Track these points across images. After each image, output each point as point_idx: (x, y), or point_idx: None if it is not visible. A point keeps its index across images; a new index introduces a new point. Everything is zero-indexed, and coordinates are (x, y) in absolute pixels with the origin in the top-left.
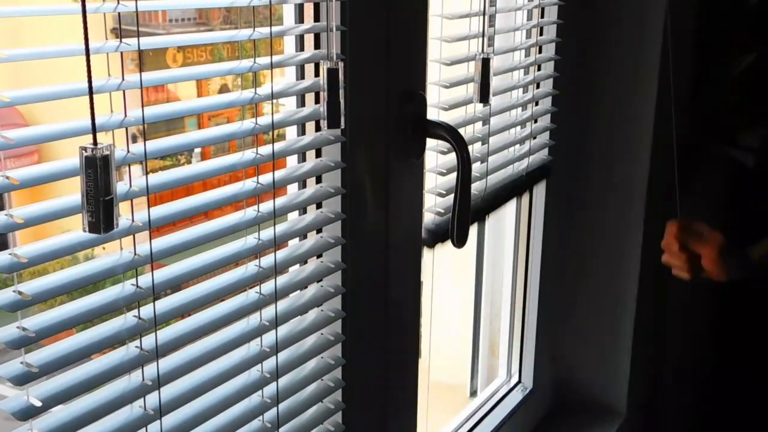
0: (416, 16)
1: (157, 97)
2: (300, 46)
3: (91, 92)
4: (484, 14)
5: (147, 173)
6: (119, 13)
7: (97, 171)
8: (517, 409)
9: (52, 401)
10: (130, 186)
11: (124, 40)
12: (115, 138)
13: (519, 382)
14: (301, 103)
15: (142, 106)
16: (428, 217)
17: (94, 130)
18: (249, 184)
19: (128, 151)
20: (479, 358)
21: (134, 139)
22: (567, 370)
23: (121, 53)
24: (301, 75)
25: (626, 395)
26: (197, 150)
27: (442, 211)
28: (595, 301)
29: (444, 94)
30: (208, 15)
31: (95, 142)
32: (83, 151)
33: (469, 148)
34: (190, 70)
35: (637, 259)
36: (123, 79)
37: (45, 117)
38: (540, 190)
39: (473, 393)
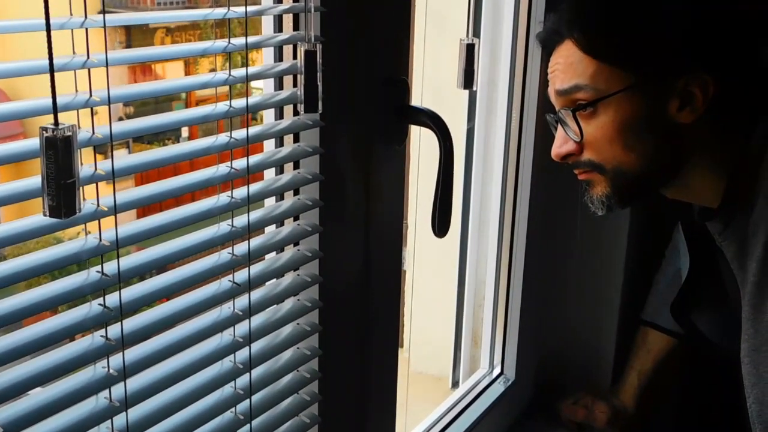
0: None
1: (144, 80)
2: (279, 27)
3: (52, 69)
4: None
5: (112, 155)
6: None
7: (58, 153)
8: (499, 401)
9: (11, 392)
10: (96, 169)
11: (90, 16)
12: (99, 119)
13: (501, 373)
14: (280, 86)
15: (108, 86)
16: None
17: (55, 110)
18: (222, 168)
19: (93, 133)
20: (461, 349)
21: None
22: (550, 362)
23: (86, 29)
24: (279, 58)
25: (610, 386)
26: (185, 134)
27: None
28: (581, 292)
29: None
30: None
31: (56, 123)
32: (44, 132)
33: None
34: (160, 50)
35: (623, 249)
36: (88, 57)
37: (33, 95)
38: (525, 178)
39: (455, 384)
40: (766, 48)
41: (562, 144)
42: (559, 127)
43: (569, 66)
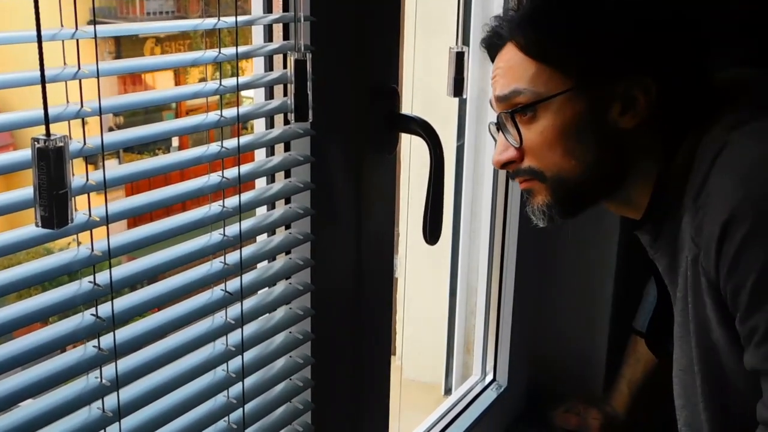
0: (389, 6)
1: (134, 90)
2: (269, 37)
3: (43, 80)
4: (459, 6)
5: (104, 166)
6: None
7: (50, 163)
8: (491, 408)
9: (3, 404)
10: (87, 180)
11: (80, 27)
12: (91, 129)
13: (494, 380)
14: (270, 95)
15: (99, 97)
16: None
17: (47, 121)
18: (214, 178)
19: (84, 143)
20: (454, 356)
21: (110, 131)
22: (542, 369)
23: (77, 41)
24: (269, 67)
25: (602, 393)
26: (175, 143)
27: None
28: (572, 299)
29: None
30: (186, 9)
31: (48, 133)
32: (35, 143)
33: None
34: (151, 60)
35: (614, 254)
36: (79, 68)
37: (23, 106)
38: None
39: (447, 391)
40: (708, 52)
41: (502, 151)
42: (500, 133)
43: (509, 70)
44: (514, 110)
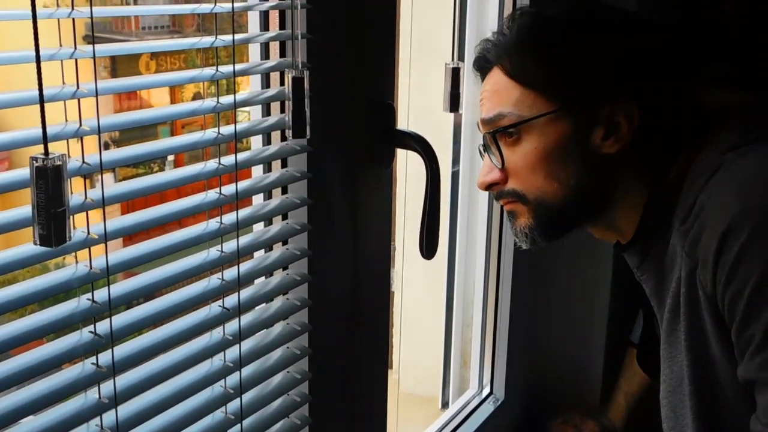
0: (384, 23)
1: (129, 105)
2: (266, 54)
3: (42, 100)
4: (454, 22)
5: (103, 184)
6: (73, 19)
7: (49, 182)
8: (489, 421)
9: (2, 421)
10: (86, 198)
11: (79, 47)
12: (87, 144)
13: (491, 393)
14: (267, 112)
15: (97, 115)
16: None
17: (45, 140)
18: (211, 194)
19: (83, 162)
20: (451, 369)
21: (107, 147)
22: (539, 381)
23: (76, 60)
24: (266, 83)
25: (599, 405)
26: (170, 159)
27: None
28: (568, 311)
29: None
30: (181, 23)
31: (46, 152)
32: (34, 162)
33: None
34: (149, 78)
35: (609, 266)
36: (78, 87)
37: (19, 124)
38: None
39: (445, 404)
40: (693, 76)
41: (487, 173)
42: (486, 155)
43: (495, 93)
44: (496, 130)
